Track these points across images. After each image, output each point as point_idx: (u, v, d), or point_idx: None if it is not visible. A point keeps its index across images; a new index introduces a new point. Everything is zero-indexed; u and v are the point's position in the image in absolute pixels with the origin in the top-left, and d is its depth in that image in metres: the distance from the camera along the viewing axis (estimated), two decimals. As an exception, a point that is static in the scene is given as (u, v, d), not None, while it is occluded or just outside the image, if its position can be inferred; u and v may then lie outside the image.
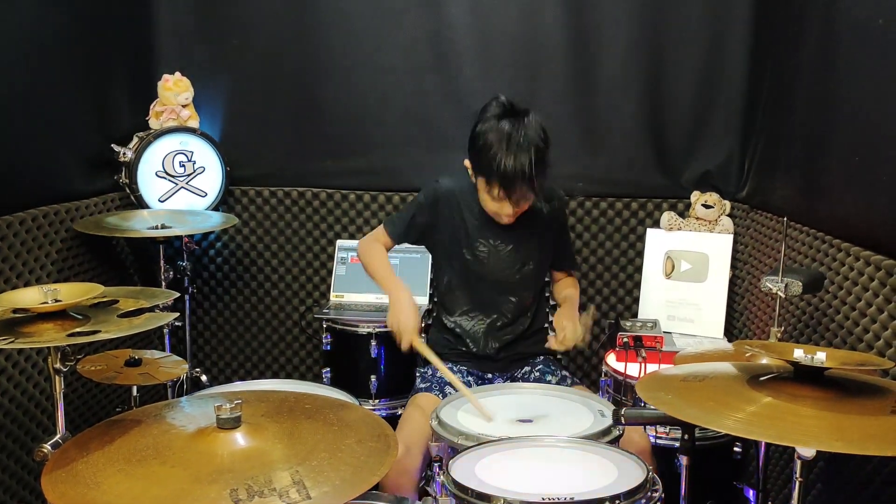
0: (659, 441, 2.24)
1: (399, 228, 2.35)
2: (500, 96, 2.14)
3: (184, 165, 2.93)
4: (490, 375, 2.33)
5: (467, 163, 2.19)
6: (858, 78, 1.98)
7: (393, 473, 1.95)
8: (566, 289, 2.45)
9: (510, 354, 2.34)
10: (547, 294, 2.53)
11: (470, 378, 2.32)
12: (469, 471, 1.58)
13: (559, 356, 2.48)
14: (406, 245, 2.54)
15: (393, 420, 2.46)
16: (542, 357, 2.38)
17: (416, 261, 2.88)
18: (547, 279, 2.49)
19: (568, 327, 2.17)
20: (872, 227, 1.90)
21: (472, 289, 2.32)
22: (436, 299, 2.48)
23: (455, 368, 2.31)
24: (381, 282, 2.29)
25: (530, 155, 2.02)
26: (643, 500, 1.46)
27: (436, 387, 2.23)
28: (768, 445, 1.83)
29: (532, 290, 2.36)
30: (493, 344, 2.32)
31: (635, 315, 2.99)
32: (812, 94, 2.27)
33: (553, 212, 2.35)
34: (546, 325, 2.54)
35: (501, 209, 2.15)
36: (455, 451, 1.68)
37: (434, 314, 2.50)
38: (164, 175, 2.89)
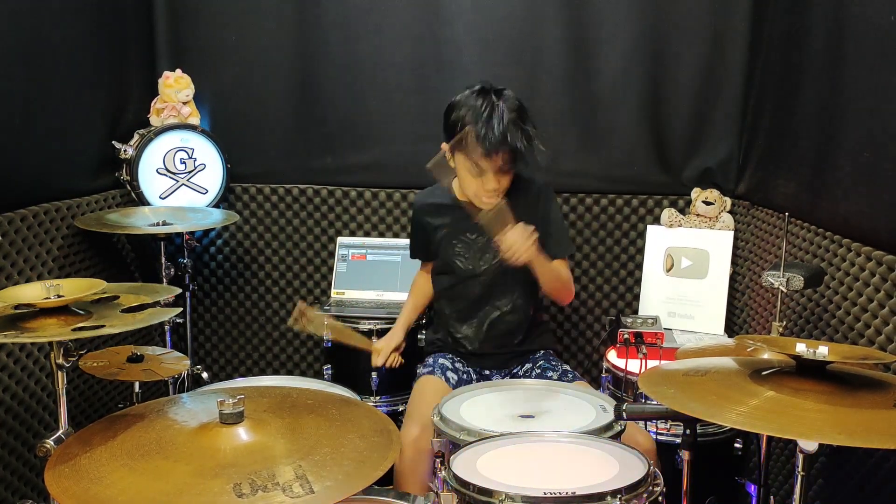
0: (660, 437, 2.24)
1: (413, 251, 2.53)
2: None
3: (184, 162, 2.93)
4: (488, 372, 2.34)
5: (444, 146, 2.20)
6: (863, 75, 1.97)
7: (410, 453, 1.96)
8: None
9: (506, 351, 2.34)
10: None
11: (470, 369, 2.33)
12: (471, 466, 1.58)
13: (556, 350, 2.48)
14: (406, 243, 2.54)
15: (394, 416, 2.48)
16: (541, 352, 2.38)
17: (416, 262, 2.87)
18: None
19: (510, 234, 1.99)
20: (874, 224, 1.91)
21: (457, 289, 2.34)
22: (434, 298, 2.49)
23: (454, 365, 2.32)
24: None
25: (505, 117, 2.07)
26: (645, 495, 1.46)
27: (438, 371, 2.25)
28: (769, 440, 1.83)
29: (517, 284, 2.31)
30: (486, 341, 2.32)
31: (636, 312, 2.99)
32: (815, 91, 2.26)
33: (532, 200, 2.28)
34: (545, 319, 2.54)
35: (483, 185, 2.13)
36: (457, 446, 1.69)
37: (432, 313, 2.51)
38: (165, 172, 2.89)
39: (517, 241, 1.99)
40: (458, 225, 2.30)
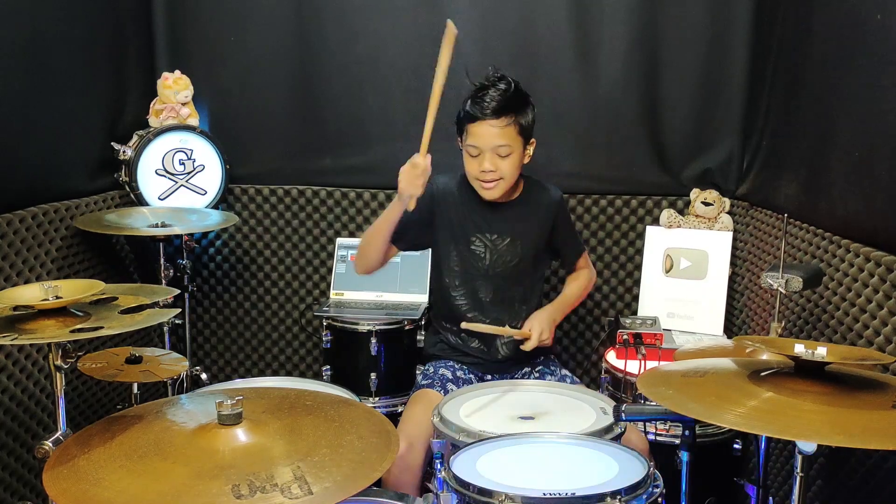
0: (659, 438, 2.24)
1: (395, 230, 2.25)
2: None
3: (183, 164, 2.92)
4: (490, 377, 2.33)
5: (459, 142, 2.28)
6: (859, 75, 1.98)
7: (395, 470, 1.96)
8: (569, 284, 2.46)
9: (512, 354, 2.33)
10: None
11: (471, 376, 2.33)
12: (470, 467, 1.58)
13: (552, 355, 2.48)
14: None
15: (393, 417, 2.47)
16: (541, 357, 2.38)
17: (416, 259, 2.87)
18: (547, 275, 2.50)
19: (534, 328, 2.19)
20: (873, 224, 1.91)
21: (471, 286, 2.33)
22: (433, 300, 2.48)
23: (455, 374, 2.31)
24: (385, 216, 2.22)
25: (496, 86, 2.20)
26: (644, 496, 1.46)
27: (437, 383, 2.23)
28: (768, 441, 1.84)
29: (529, 287, 2.35)
30: (496, 343, 2.32)
31: (635, 312, 2.99)
32: (813, 92, 2.27)
33: (548, 207, 2.35)
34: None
35: (479, 165, 2.18)
36: (456, 447, 1.68)
37: (433, 314, 2.50)
38: (164, 173, 2.89)
39: (543, 333, 2.19)
40: (479, 221, 2.30)
